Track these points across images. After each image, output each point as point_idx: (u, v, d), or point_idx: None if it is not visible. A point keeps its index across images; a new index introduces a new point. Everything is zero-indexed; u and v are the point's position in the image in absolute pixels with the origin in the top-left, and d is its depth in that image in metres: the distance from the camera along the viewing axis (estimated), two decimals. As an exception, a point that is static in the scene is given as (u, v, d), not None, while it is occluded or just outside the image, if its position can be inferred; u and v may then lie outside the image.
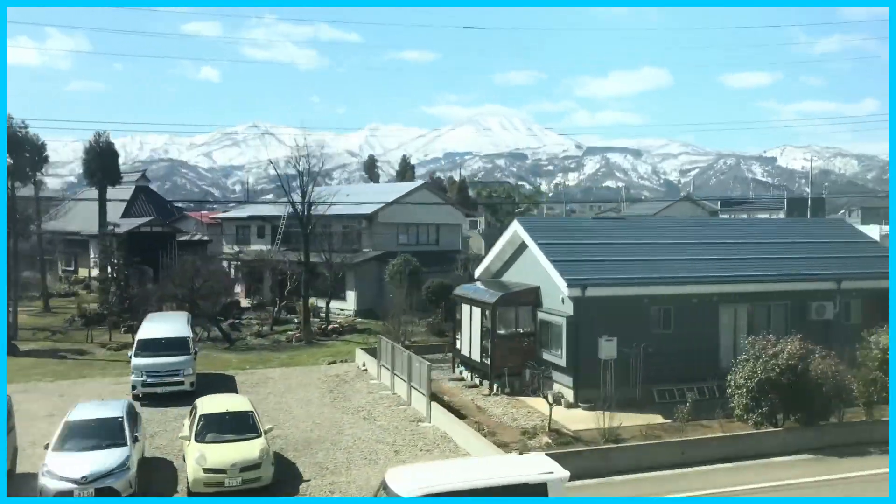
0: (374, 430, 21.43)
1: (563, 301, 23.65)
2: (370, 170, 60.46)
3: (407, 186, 52.78)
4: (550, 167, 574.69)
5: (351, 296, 45.42)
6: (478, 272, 29.47)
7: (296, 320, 40.88)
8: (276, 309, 41.74)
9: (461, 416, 22.11)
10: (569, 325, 23.25)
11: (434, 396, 24.38)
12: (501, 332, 25.39)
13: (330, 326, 39.71)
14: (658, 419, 21.59)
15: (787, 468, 18.31)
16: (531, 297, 25.42)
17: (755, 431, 19.78)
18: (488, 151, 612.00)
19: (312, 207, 38.74)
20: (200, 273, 36.92)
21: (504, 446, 19.18)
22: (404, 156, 63.59)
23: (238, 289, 53.88)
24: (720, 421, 20.95)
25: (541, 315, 24.92)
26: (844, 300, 25.83)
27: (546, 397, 20.69)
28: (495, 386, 25.07)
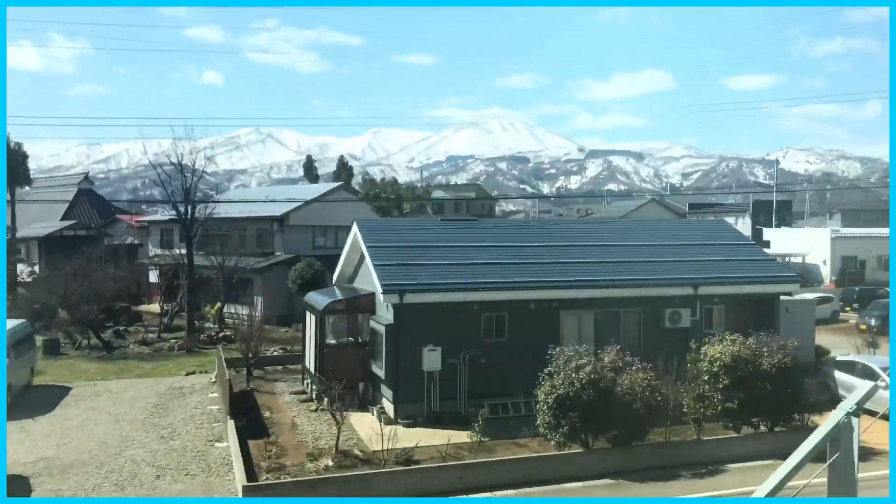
0: (158, 452, 19.62)
1: (387, 308, 21.87)
2: (309, 171, 58.85)
3: (322, 188, 51.06)
4: (553, 170, 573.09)
5: (259, 301, 43.66)
6: (335, 276, 27.71)
7: (195, 326, 39.13)
8: (167, 315, 40.01)
9: (266, 435, 20.43)
10: (388, 334, 21.46)
11: (256, 411, 22.78)
12: (332, 341, 23.62)
13: (221, 334, 37.95)
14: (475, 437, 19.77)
15: (575, 496, 16.44)
16: (366, 304, 23.63)
17: (557, 453, 17.93)
18: (490, 154, 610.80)
19: (199, 208, 37.03)
20: (78, 276, 35.25)
21: (280, 470, 17.46)
22: (342, 156, 61.83)
23: (158, 294, 52.34)
24: (537, 440, 19.12)
25: (372, 323, 23.12)
26: (706, 306, 23.94)
27: (334, 415, 18.89)
28: (325, 400, 23.24)
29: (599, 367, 18.15)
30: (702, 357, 19.49)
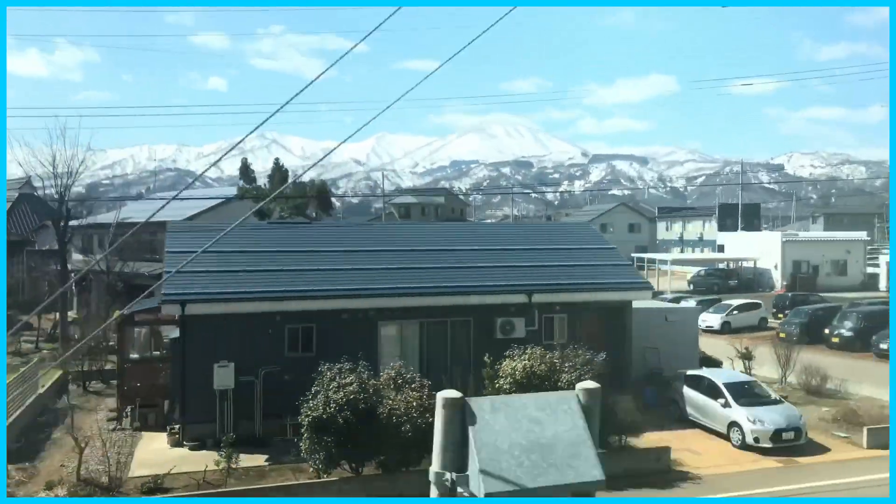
0: None
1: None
2: (245, 174, 57.08)
3: (233, 191, 49.30)
4: (556, 175, 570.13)
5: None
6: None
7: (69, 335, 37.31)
8: (52, 325, 38.26)
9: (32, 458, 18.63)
10: (174, 348, 19.57)
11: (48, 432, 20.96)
12: (133, 355, 21.73)
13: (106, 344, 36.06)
14: (259, 461, 17.99)
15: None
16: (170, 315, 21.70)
17: (312, 481, 16.03)
18: (494, 159, 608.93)
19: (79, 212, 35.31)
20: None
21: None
22: (276, 159, 59.99)
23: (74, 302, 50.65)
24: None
25: (172, 337, 21.23)
26: (546, 315, 21.91)
27: (75, 439, 16.98)
28: (125, 419, 21.39)
29: (369, 386, 16.21)
30: (499, 373, 17.49)
